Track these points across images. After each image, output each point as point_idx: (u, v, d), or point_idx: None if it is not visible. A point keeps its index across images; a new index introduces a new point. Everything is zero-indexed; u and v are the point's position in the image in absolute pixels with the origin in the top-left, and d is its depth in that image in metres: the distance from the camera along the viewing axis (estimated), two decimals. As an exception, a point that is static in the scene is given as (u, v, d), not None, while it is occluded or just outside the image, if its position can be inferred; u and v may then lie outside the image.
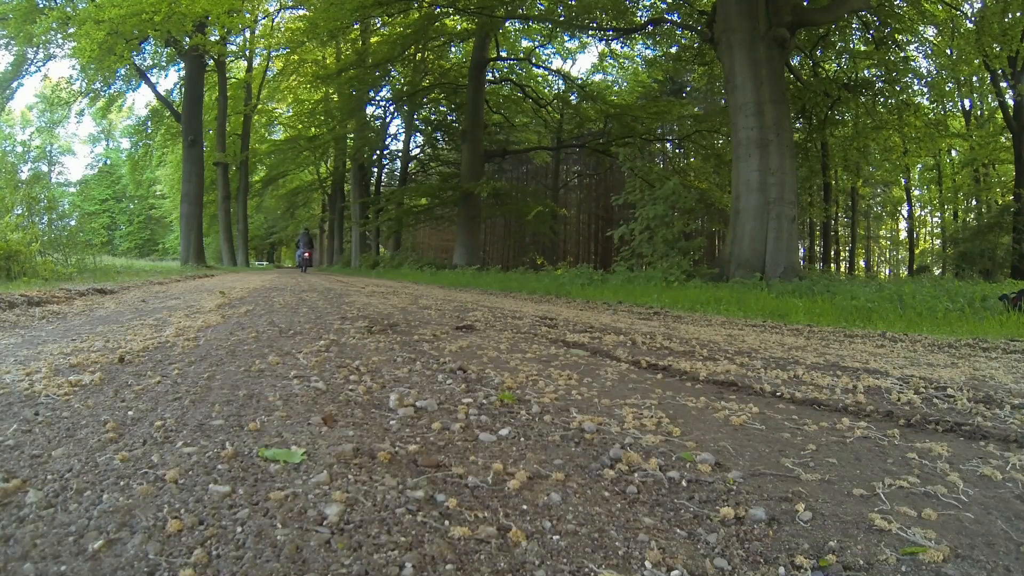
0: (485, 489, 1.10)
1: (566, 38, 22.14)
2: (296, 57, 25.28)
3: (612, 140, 21.80)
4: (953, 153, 23.42)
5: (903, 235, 33.56)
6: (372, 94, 25.00)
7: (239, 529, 0.88)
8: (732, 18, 10.73)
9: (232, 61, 27.57)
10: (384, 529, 0.91)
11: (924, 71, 17.46)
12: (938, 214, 29.24)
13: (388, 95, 26.35)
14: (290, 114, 31.28)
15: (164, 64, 23.17)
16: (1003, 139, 18.37)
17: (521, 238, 33.58)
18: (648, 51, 21.85)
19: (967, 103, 20.88)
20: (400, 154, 30.07)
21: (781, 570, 0.86)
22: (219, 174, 25.25)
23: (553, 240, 30.41)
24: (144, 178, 34.37)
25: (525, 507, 1.03)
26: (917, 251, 28.35)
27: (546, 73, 25.27)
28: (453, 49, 24.80)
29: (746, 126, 10.53)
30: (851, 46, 17.48)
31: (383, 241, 30.13)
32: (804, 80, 17.18)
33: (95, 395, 1.66)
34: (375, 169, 31.55)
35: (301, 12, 22.90)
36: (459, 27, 21.19)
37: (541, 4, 17.88)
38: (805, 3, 13.01)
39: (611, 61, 25.86)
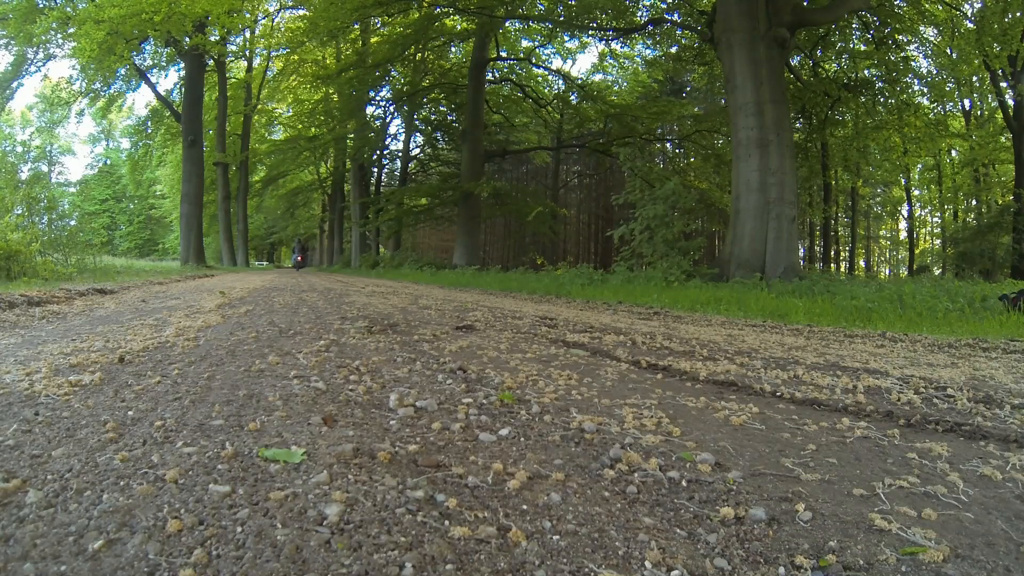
0: (485, 489, 1.10)
1: (566, 38, 22.15)
2: (296, 57, 25.30)
3: (612, 140, 21.81)
4: (953, 153, 23.43)
5: (903, 235, 33.60)
6: (372, 94, 25.02)
7: (239, 529, 0.88)
8: (732, 18, 10.73)
9: (232, 61, 27.59)
10: (384, 529, 0.91)
11: (924, 71, 17.47)
12: (938, 214, 29.26)
13: (388, 95, 26.39)
14: (290, 114, 31.31)
15: (164, 64, 23.20)
16: (1003, 139, 18.37)
17: (521, 238, 33.58)
18: (648, 51, 21.89)
19: (967, 103, 20.90)
20: (400, 154, 30.10)
21: (781, 570, 0.86)
22: (219, 174, 25.26)
23: (553, 240, 30.42)
24: (144, 178, 34.37)
25: (525, 507, 1.03)
26: (917, 251, 28.36)
27: (546, 73, 25.30)
28: (453, 49, 24.81)
29: (746, 126, 10.53)
30: (851, 46, 17.48)
31: (383, 241, 30.14)
32: (804, 80, 17.17)
33: (95, 395, 1.66)
34: (375, 169, 31.57)
35: (301, 12, 22.92)
36: (459, 27, 21.20)
37: (541, 4, 17.88)
38: (805, 3, 13.01)
39: (611, 61, 25.91)
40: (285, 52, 25.72)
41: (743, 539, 0.95)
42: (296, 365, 2.22)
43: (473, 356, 2.64)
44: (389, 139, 30.85)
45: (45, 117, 35.23)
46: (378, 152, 30.18)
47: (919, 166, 24.91)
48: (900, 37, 15.92)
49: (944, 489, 1.19)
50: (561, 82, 25.38)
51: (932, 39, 16.56)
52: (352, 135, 26.71)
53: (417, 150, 30.94)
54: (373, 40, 23.74)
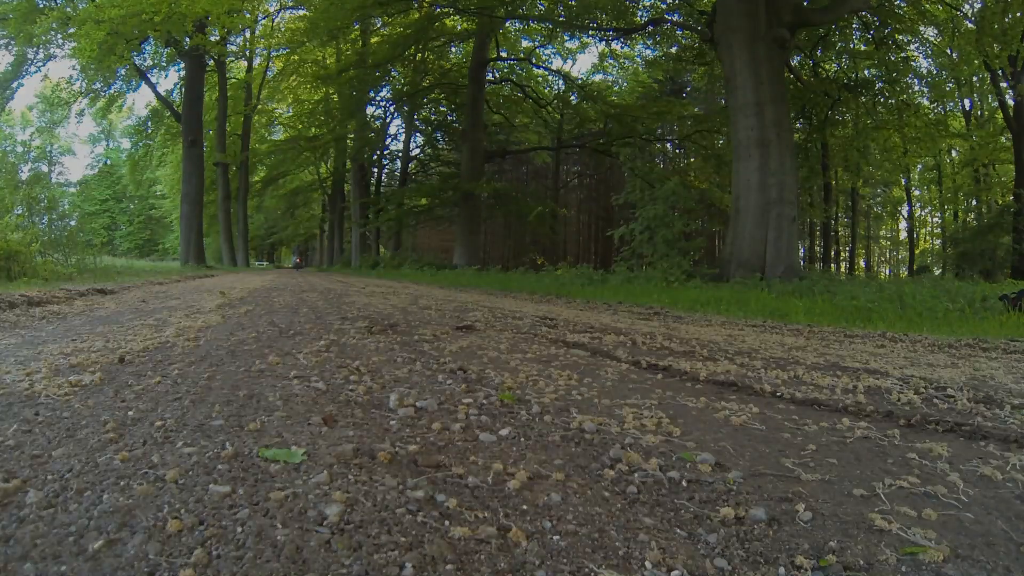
0: (485, 489, 1.10)
1: (566, 38, 22.16)
2: (296, 57, 25.30)
3: (612, 140, 21.81)
4: (953, 153, 23.43)
5: (903, 235, 33.61)
6: (372, 94, 25.02)
7: (239, 529, 0.88)
8: (732, 18, 10.73)
9: (232, 61, 27.59)
10: (384, 529, 0.91)
11: (924, 71, 17.47)
12: (938, 214, 29.27)
13: (388, 95, 26.40)
14: (290, 114, 31.31)
15: (164, 64, 23.21)
16: (1003, 139, 18.36)
17: (521, 238, 33.56)
18: (648, 51, 21.90)
19: (967, 103, 20.89)
20: (400, 154, 30.12)
21: (781, 570, 0.86)
22: (219, 174, 25.25)
23: (553, 240, 30.42)
24: (144, 178, 34.34)
25: (525, 507, 1.03)
26: (917, 251, 28.37)
27: (546, 73, 25.30)
28: (453, 49, 24.81)
29: (746, 126, 10.54)
30: (851, 46, 17.48)
31: (383, 241, 30.15)
32: (804, 80, 17.17)
33: (95, 395, 1.66)
34: (375, 169, 31.58)
35: (301, 12, 22.93)
36: (459, 27, 21.20)
37: (541, 4, 17.89)
38: (805, 3, 13.01)
39: (611, 61, 25.90)
40: (285, 52, 25.74)
41: (743, 539, 0.95)
42: (296, 365, 2.22)
43: (473, 356, 2.64)
44: (389, 139, 30.92)
45: (45, 117, 35.25)
46: (378, 152, 30.20)
47: (919, 166, 24.92)
48: (900, 37, 15.93)
49: (944, 489, 1.18)
50: (561, 82, 25.41)
51: (932, 39, 16.56)
52: (352, 135, 26.71)
53: (417, 150, 30.98)
54: (373, 40, 23.74)
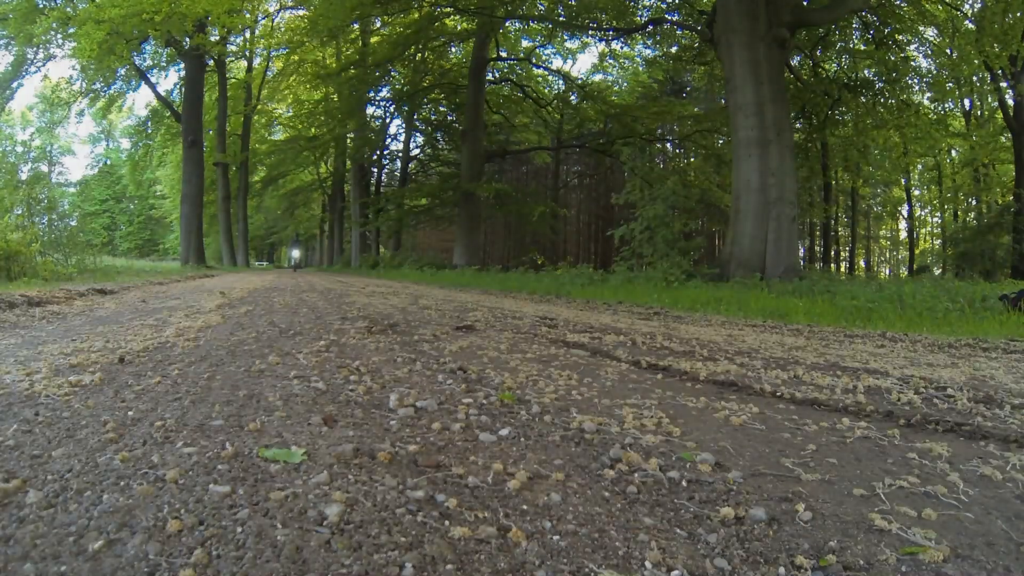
0: (485, 489, 1.10)
1: (566, 38, 22.15)
2: (296, 57, 25.29)
3: (612, 140, 21.81)
4: (953, 153, 23.42)
5: (903, 235, 33.60)
6: (372, 94, 25.01)
7: (239, 529, 0.88)
8: (732, 18, 10.73)
9: (232, 61, 27.60)
10: (384, 529, 0.91)
11: (924, 70, 17.45)
12: (938, 214, 29.26)
13: (388, 95, 26.38)
14: (290, 114, 31.30)
15: (164, 64, 23.20)
16: (1003, 139, 18.36)
17: (521, 238, 33.56)
18: (648, 51, 21.88)
19: (967, 103, 20.88)
20: (400, 154, 30.11)
21: (781, 570, 0.86)
22: (219, 174, 25.25)
23: (553, 240, 30.43)
24: (144, 178, 34.37)
25: (525, 507, 1.03)
26: (917, 251, 28.35)
27: (546, 73, 25.29)
28: (453, 49, 24.79)
29: (746, 126, 10.53)
30: (851, 46, 17.47)
31: (383, 241, 30.14)
32: (804, 80, 17.17)
33: (95, 395, 1.66)
34: (375, 169, 31.57)
35: (301, 12, 22.93)
36: (459, 27, 21.19)
37: (541, 4, 17.88)
38: (805, 3, 13.01)
39: (611, 61, 25.90)
40: (285, 52, 25.73)
41: (743, 539, 0.95)
42: (296, 365, 2.22)
43: (473, 356, 2.64)
44: (389, 139, 30.89)
45: (45, 117, 35.19)
46: (378, 152, 30.19)
47: (919, 166, 24.90)
48: (900, 37, 15.92)
49: (944, 489, 1.18)
50: (561, 82, 25.39)
51: (932, 39, 16.56)
52: (352, 135, 26.70)
53: (417, 150, 30.96)
54: (373, 40, 23.73)
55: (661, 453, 1.36)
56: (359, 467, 1.16)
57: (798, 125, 17.92)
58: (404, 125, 28.67)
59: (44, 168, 48.54)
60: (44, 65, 20.05)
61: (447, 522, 0.94)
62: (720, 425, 1.65)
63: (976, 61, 14.54)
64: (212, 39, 19.93)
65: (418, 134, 29.69)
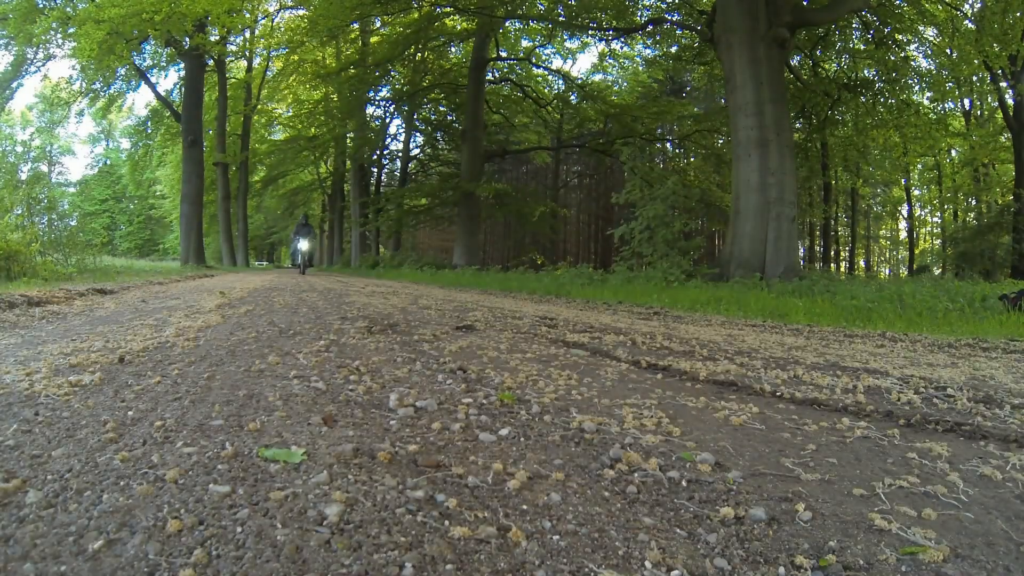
0: (485, 489, 1.10)
1: (566, 38, 22.13)
2: (296, 57, 25.26)
3: (612, 140, 21.81)
4: (953, 153, 23.41)
5: (903, 235, 33.60)
6: (372, 94, 25.00)
7: (239, 529, 0.88)
8: (732, 18, 10.73)
9: (232, 61, 27.56)
10: (384, 529, 0.91)
11: (924, 70, 17.44)
12: (938, 214, 29.26)
13: (388, 95, 26.36)
14: (290, 114, 31.27)
15: (164, 64, 23.16)
16: (1003, 139, 18.36)
17: (521, 238, 33.57)
18: (648, 51, 21.86)
19: (967, 103, 20.88)
20: (400, 154, 30.08)
21: (781, 570, 0.86)
22: (219, 174, 25.23)
23: (553, 240, 30.44)
24: (144, 178, 34.34)
25: (525, 507, 1.03)
26: (917, 251, 28.36)
27: (546, 73, 25.27)
28: (453, 49, 24.79)
29: (746, 126, 10.54)
30: (851, 46, 17.46)
31: (383, 241, 30.12)
32: (804, 80, 17.16)
33: (95, 395, 1.66)
34: (375, 169, 31.56)
35: (301, 12, 22.89)
36: (459, 27, 21.19)
37: (541, 4, 17.88)
38: (805, 3, 13.01)
39: (611, 61, 25.86)
40: (285, 52, 25.67)
41: (743, 539, 0.95)
42: (296, 365, 2.22)
43: (473, 356, 2.64)
44: (389, 139, 30.87)
45: (45, 117, 35.20)
46: (378, 152, 30.18)
47: (919, 166, 24.90)
48: (900, 37, 15.91)
49: (944, 489, 1.19)
50: (561, 82, 25.38)
51: (932, 39, 16.55)
52: (352, 135, 26.68)
53: (417, 150, 30.95)
54: (373, 40, 23.73)
55: (661, 453, 1.36)
56: (359, 467, 1.16)
57: (798, 125, 17.92)
58: (404, 125, 28.69)
59: (44, 168, 48.56)
60: (44, 65, 20.03)
61: (447, 522, 0.94)
62: (720, 425, 1.65)
63: (976, 61, 14.54)
64: (212, 39, 19.90)
65: (418, 134, 29.70)
